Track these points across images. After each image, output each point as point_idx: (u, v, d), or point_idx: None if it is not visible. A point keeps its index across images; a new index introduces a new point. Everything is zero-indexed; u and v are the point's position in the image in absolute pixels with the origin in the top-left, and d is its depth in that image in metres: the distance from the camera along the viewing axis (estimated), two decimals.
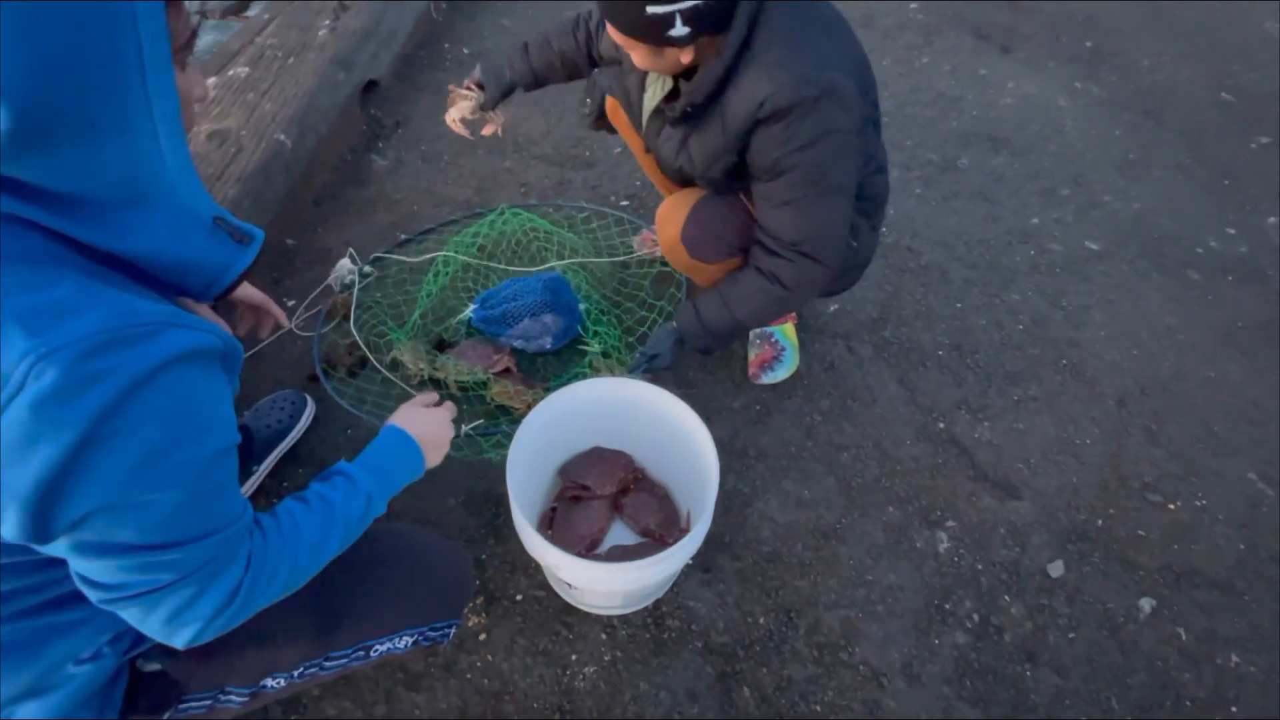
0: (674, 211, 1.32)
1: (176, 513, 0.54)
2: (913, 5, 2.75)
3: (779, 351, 1.51)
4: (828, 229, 1.15)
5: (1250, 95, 2.41)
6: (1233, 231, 1.94)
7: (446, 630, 0.88)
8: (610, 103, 1.44)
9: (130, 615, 0.58)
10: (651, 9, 0.97)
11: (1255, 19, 2.78)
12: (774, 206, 1.14)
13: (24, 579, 0.59)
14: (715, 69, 1.06)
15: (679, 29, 0.99)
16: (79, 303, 0.47)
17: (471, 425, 1.34)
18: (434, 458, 0.88)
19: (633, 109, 1.31)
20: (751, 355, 1.53)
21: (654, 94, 1.24)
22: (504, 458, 1.06)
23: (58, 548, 0.52)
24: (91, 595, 0.57)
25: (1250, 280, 1.82)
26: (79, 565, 0.55)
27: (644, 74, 1.25)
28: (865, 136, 1.16)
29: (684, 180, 1.33)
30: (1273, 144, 2.22)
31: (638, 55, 1.09)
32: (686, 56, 1.06)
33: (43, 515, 0.48)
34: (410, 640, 0.84)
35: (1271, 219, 1.99)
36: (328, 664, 0.80)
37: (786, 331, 1.54)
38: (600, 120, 1.49)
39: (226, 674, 0.76)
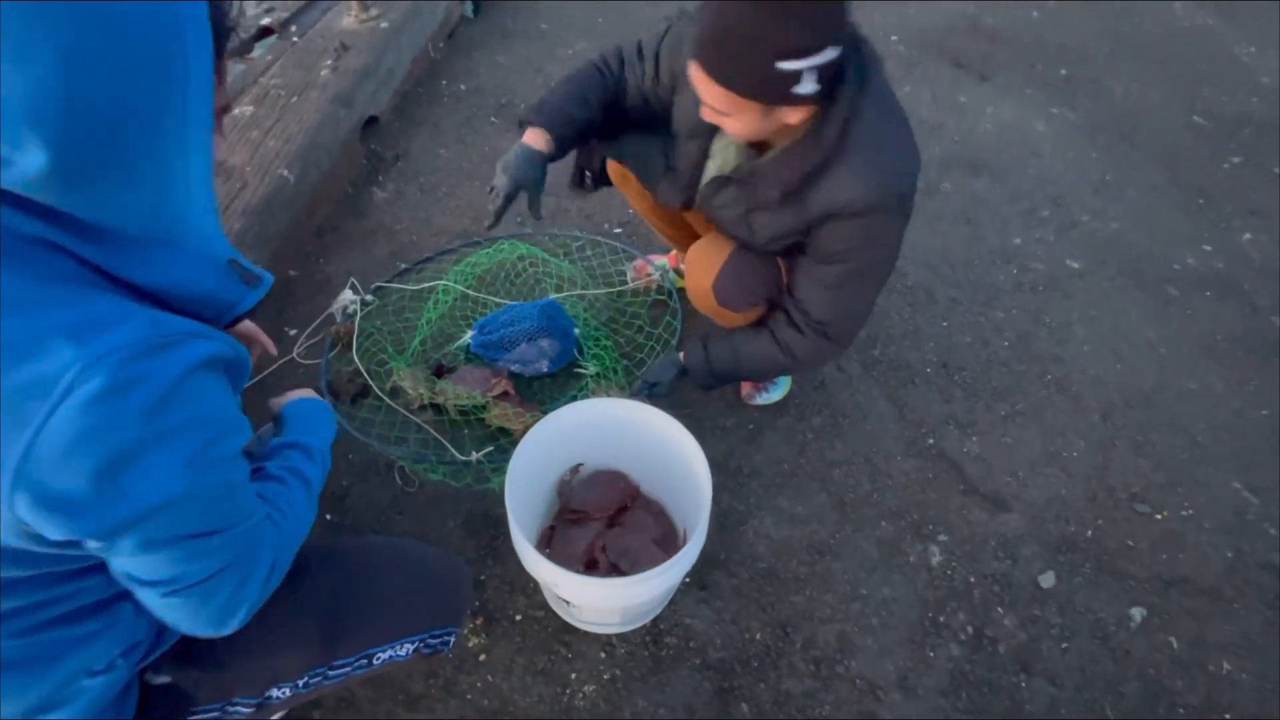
0: (707, 259, 1.28)
1: (217, 501, 0.59)
2: (894, 37, 2.85)
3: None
4: (855, 317, 1.19)
5: (1220, 117, 2.50)
6: (1209, 248, 2.00)
7: (447, 638, 0.89)
8: (616, 169, 1.41)
9: (185, 607, 0.63)
10: (783, 65, 0.89)
11: (1223, 45, 2.89)
12: (815, 285, 1.15)
13: (46, 592, 0.61)
14: (813, 157, 1.01)
15: (806, 86, 0.92)
16: (116, 316, 0.52)
17: (483, 451, 1.37)
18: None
19: (679, 174, 1.26)
20: None
21: (723, 162, 1.19)
22: (504, 480, 1.09)
23: (112, 545, 0.55)
24: (146, 594, 0.61)
25: (1228, 295, 1.87)
26: (131, 564, 0.58)
27: (705, 154, 1.19)
28: None
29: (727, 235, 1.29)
30: (1244, 163, 2.30)
31: (742, 119, 0.99)
32: (795, 118, 0.99)
33: (97, 512, 0.52)
34: (412, 648, 0.86)
35: (1246, 235, 2.05)
36: (332, 673, 0.82)
37: None
38: (582, 184, 1.48)
39: (234, 684, 0.78)
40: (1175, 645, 1.24)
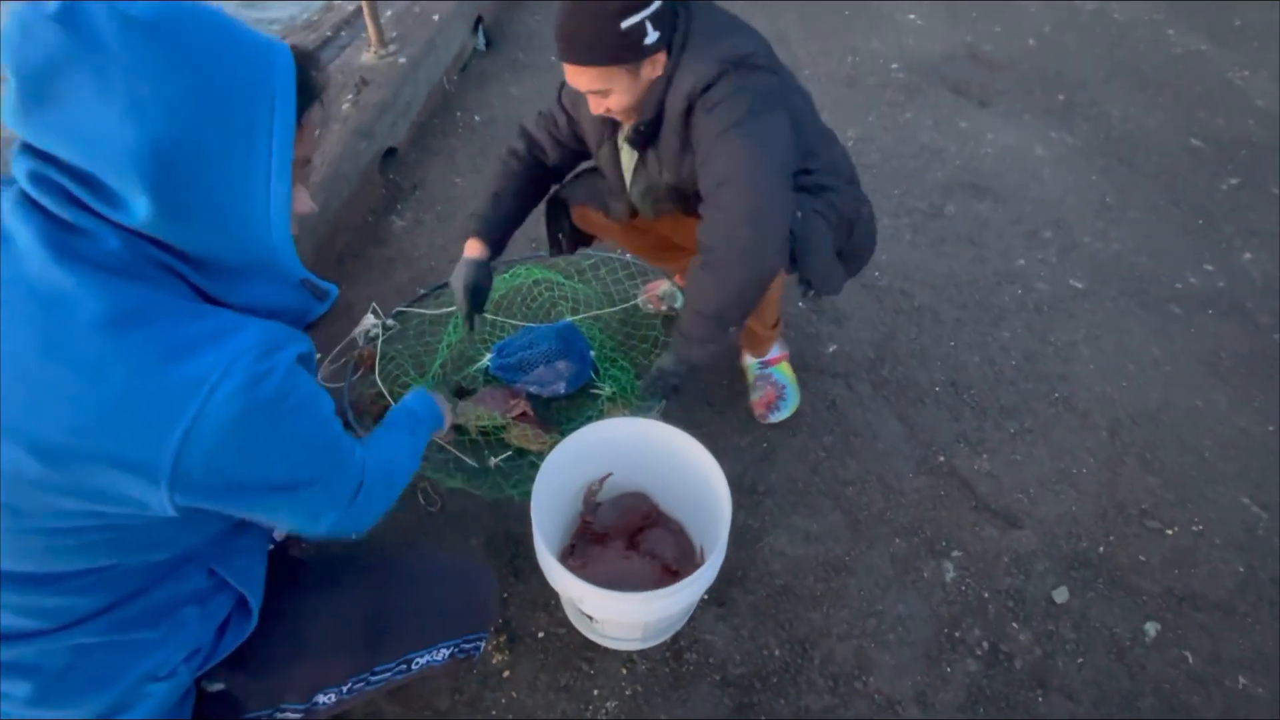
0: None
1: (332, 448, 0.73)
2: (894, 65, 2.93)
3: (780, 390, 1.59)
4: (743, 174, 1.12)
5: (1218, 140, 2.55)
6: (1210, 268, 2.04)
7: (478, 643, 0.94)
8: (579, 214, 1.54)
9: (341, 523, 0.76)
10: (625, 22, 1.07)
11: (1218, 69, 2.96)
12: (701, 170, 1.18)
13: (119, 591, 0.67)
14: (657, 84, 1.17)
15: (650, 35, 1.09)
16: (237, 324, 0.63)
17: (502, 457, 1.40)
18: (447, 420, 1.17)
19: (610, 184, 1.41)
20: (755, 397, 1.60)
21: (628, 153, 1.33)
22: (525, 495, 1.12)
23: (264, 501, 0.67)
24: (311, 528, 0.75)
25: (1231, 314, 1.90)
26: (287, 509, 0.71)
27: (616, 150, 1.34)
28: (802, 116, 1.26)
29: (684, 207, 1.36)
30: (1242, 184, 2.35)
31: (619, 91, 1.16)
32: (657, 69, 1.16)
33: (254, 478, 0.64)
34: (447, 652, 0.90)
35: (1247, 255, 2.09)
36: (374, 678, 0.85)
37: (784, 370, 1.61)
38: (572, 243, 1.60)
39: (283, 691, 0.81)
40: (1190, 660, 1.25)
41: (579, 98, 1.28)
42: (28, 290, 0.56)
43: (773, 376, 1.60)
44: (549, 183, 1.50)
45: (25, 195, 0.58)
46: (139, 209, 0.56)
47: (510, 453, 1.42)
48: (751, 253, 1.13)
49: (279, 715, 0.81)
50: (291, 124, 0.61)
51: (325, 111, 0.71)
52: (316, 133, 0.71)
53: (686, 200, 1.33)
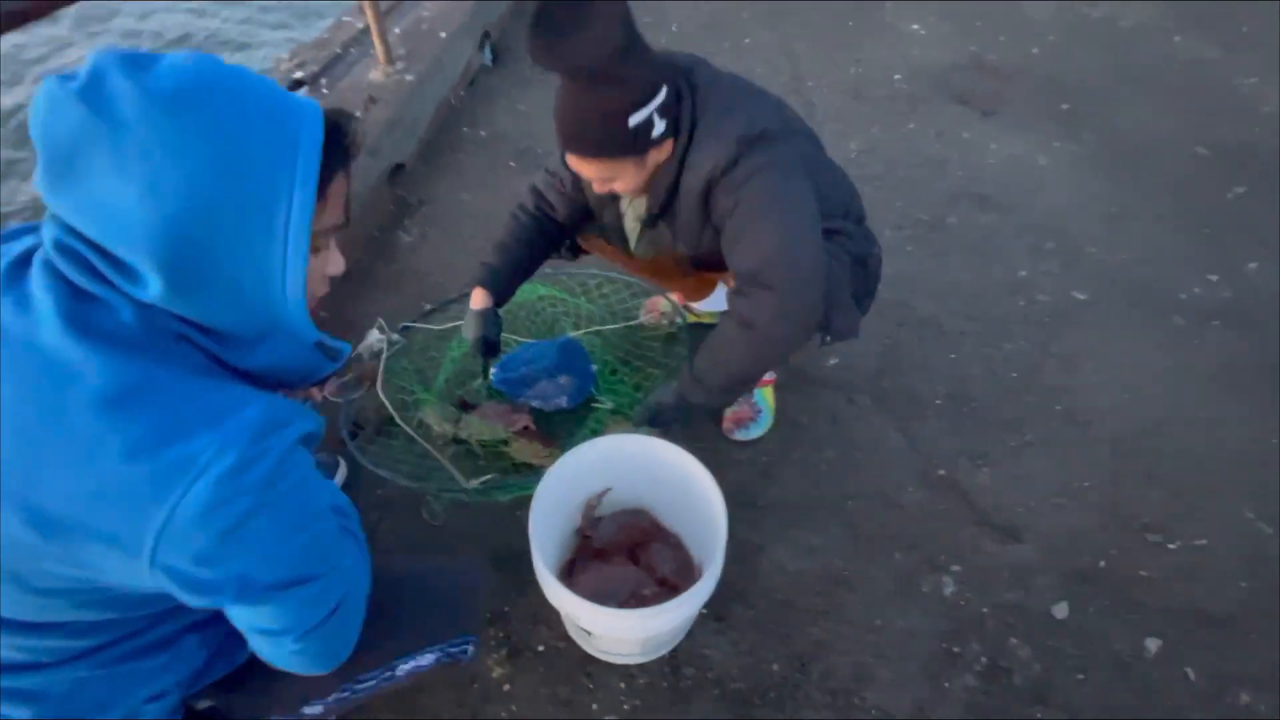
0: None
1: (320, 549, 0.69)
2: (897, 76, 2.94)
3: (756, 413, 1.60)
4: (784, 255, 1.11)
5: (1225, 149, 2.54)
6: (1215, 278, 2.03)
7: (465, 647, 0.94)
8: (581, 237, 1.57)
9: (308, 651, 0.71)
10: (633, 120, 1.07)
11: (1226, 76, 2.94)
12: (731, 244, 1.17)
13: (127, 628, 0.68)
14: (669, 165, 1.17)
15: (658, 126, 1.10)
16: (241, 402, 0.62)
17: (480, 480, 1.41)
18: None
19: (610, 233, 1.45)
20: (729, 411, 1.61)
21: (632, 215, 1.37)
22: (523, 507, 1.13)
23: (236, 599, 0.63)
24: (269, 644, 0.69)
25: (1237, 324, 1.89)
26: (252, 614, 0.66)
27: (618, 210, 1.37)
28: (816, 165, 1.25)
29: (699, 267, 1.44)
30: (1248, 193, 2.33)
31: (626, 177, 1.17)
32: (662, 155, 1.17)
33: (224, 567, 0.60)
34: (434, 657, 0.91)
35: (1253, 264, 2.08)
36: (359, 687, 0.86)
37: (766, 395, 1.63)
38: (574, 251, 1.62)
39: (270, 705, 0.83)
40: (1193, 676, 1.24)
41: None
42: (40, 358, 0.57)
43: (752, 397, 1.61)
44: (560, 236, 1.51)
45: (50, 263, 0.60)
46: (153, 285, 0.57)
47: (491, 476, 1.42)
48: (794, 333, 1.16)
49: None
50: (312, 194, 0.61)
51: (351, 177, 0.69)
52: (346, 196, 0.69)
53: (699, 260, 1.36)
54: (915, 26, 3.31)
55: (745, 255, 1.15)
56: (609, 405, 1.61)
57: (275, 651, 0.71)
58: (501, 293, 1.48)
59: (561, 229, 1.49)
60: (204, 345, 0.64)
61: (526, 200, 1.47)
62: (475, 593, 0.99)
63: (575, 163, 1.18)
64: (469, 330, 1.45)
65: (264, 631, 0.68)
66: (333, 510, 0.73)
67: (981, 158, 2.49)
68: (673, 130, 1.14)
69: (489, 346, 1.47)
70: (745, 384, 1.27)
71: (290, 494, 0.63)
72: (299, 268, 0.62)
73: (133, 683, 0.71)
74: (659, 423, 1.35)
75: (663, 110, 1.10)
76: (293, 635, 0.69)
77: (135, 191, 0.53)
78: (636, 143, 1.11)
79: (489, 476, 1.42)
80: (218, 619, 0.76)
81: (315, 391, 1.13)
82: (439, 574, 0.97)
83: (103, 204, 0.54)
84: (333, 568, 0.71)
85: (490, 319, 1.45)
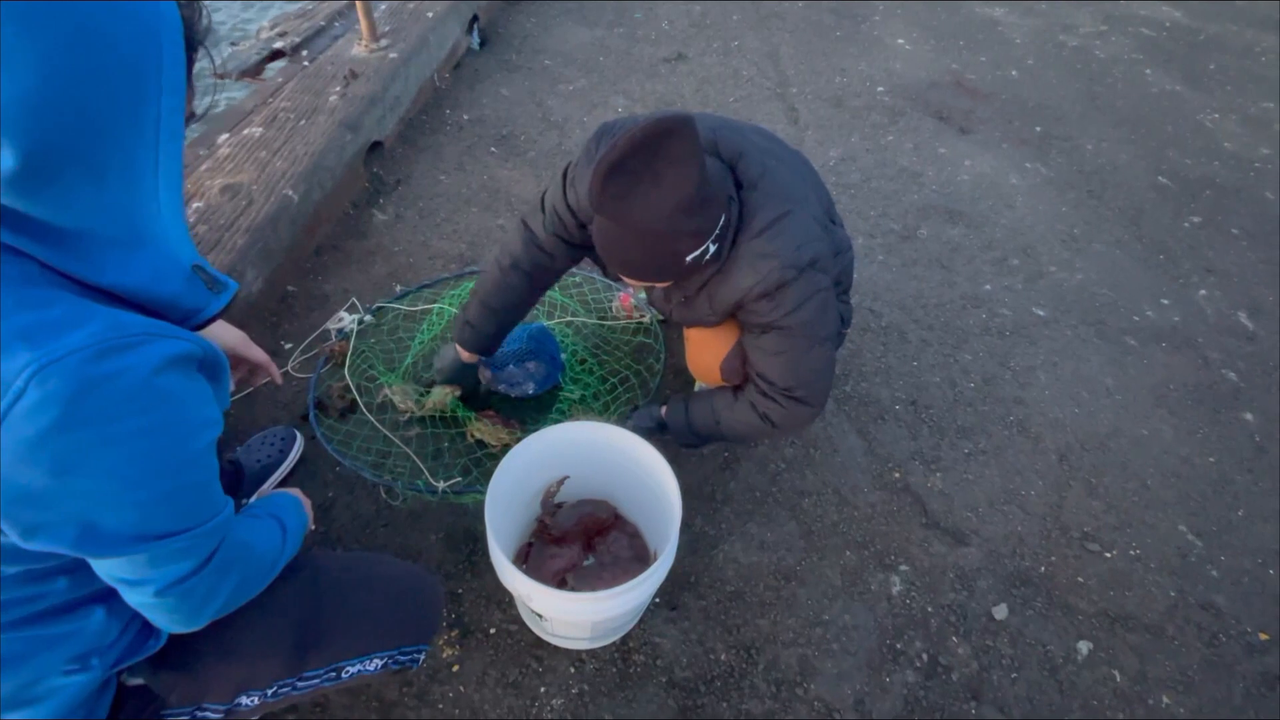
0: (715, 340, 1.36)
1: (184, 500, 0.61)
2: (880, 89, 3.00)
3: None
4: (817, 376, 1.22)
5: (1184, 179, 2.64)
6: (1166, 302, 2.11)
7: (416, 655, 0.92)
8: None
9: (163, 606, 0.66)
10: (690, 257, 1.05)
11: (1190, 111, 3.06)
12: (766, 356, 1.21)
13: (18, 590, 0.64)
14: (705, 272, 1.15)
15: (710, 251, 1.08)
16: (75, 318, 0.52)
17: (448, 484, 1.40)
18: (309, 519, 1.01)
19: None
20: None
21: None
22: (480, 499, 1.14)
23: (78, 548, 0.57)
24: (130, 593, 0.64)
25: (1181, 347, 1.97)
26: (109, 564, 0.62)
27: None
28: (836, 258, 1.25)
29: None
30: (1204, 224, 2.43)
31: (667, 286, 1.21)
32: (707, 268, 1.15)
33: (56, 513, 0.53)
34: (381, 663, 0.88)
35: (1202, 292, 2.17)
36: (300, 684, 0.84)
37: None
38: None
39: (205, 690, 0.80)
40: (1118, 679, 1.30)
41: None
42: None
43: None
44: (552, 280, 1.44)
45: None
46: (5, 160, 0.49)
47: (458, 480, 1.41)
48: (796, 432, 1.24)
49: (199, 714, 0.81)
50: (183, 78, 0.55)
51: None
52: (194, 87, 0.63)
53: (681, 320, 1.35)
54: (900, 41, 3.37)
55: (784, 372, 1.21)
56: (575, 395, 1.62)
57: (135, 599, 0.65)
58: (486, 351, 1.49)
59: (557, 275, 1.43)
60: (39, 256, 0.54)
61: (520, 255, 1.36)
62: (434, 603, 0.97)
63: (625, 278, 1.15)
64: (443, 370, 1.52)
65: (121, 580, 0.63)
66: (207, 451, 0.63)
67: (955, 173, 2.55)
68: (723, 249, 1.12)
69: (462, 388, 1.54)
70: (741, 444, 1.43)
71: (150, 431, 0.55)
72: (174, 172, 0.57)
73: (35, 650, 0.67)
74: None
75: (717, 239, 1.08)
76: (152, 587, 0.63)
77: None
78: (689, 269, 1.09)
79: (455, 480, 1.41)
80: None
81: (275, 375, 1.09)
82: (398, 577, 0.94)
83: None
84: (199, 523, 0.63)
85: (470, 371, 1.53)
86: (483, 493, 1.14)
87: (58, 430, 0.50)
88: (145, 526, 0.58)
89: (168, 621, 0.69)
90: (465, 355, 1.49)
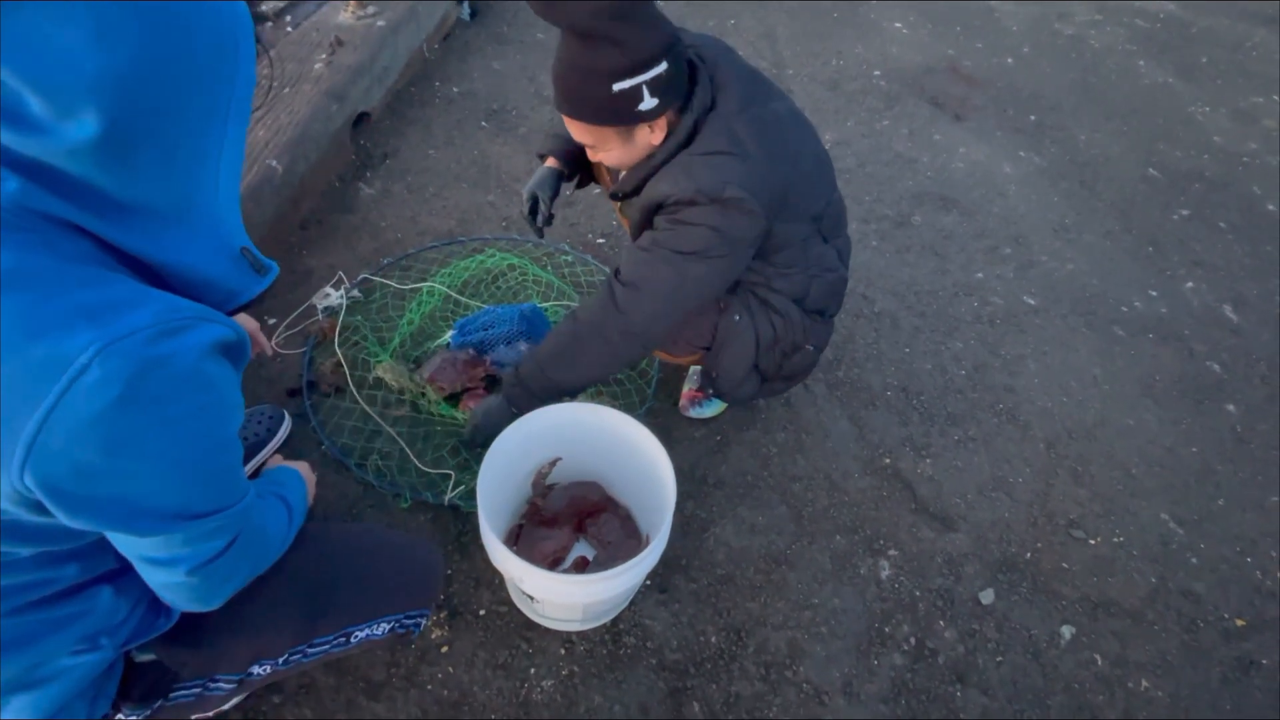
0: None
1: (218, 482, 0.63)
2: (876, 72, 2.97)
3: (710, 393, 1.61)
4: (652, 290, 1.14)
5: (1174, 172, 2.65)
6: (1154, 294, 2.13)
7: (419, 619, 0.94)
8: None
9: (186, 586, 0.66)
10: (618, 85, 1.00)
11: (1182, 104, 3.07)
12: (631, 250, 1.19)
13: (30, 575, 0.64)
14: (648, 166, 1.14)
15: (647, 101, 1.02)
16: (134, 298, 0.54)
17: (453, 493, 1.36)
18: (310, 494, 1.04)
19: (613, 171, 1.41)
20: (686, 389, 1.61)
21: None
22: (471, 507, 1.11)
23: (119, 527, 0.58)
24: (154, 573, 0.64)
25: (1168, 339, 1.99)
26: (143, 543, 0.62)
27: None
28: (770, 243, 1.21)
29: None
30: (1192, 216, 2.45)
31: (609, 148, 1.13)
32: (657, 136, 1.11)
33: (105, 491, 0.54)
34: (388, 627, 0.90)
35: (1189, 284, 2.19)
36: (311, 650, 0.85)
37: None
38: (584, 177, 1.56)
39: (217, 662, 0.81)
40: (1099, 663, 1.32)
41: None
42: None
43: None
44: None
45: None
46: (75, 132, 0.49)
47: (462, 488, 1.37)
48: (605, 335, 1.18)
49: (211, 685, 0.81)
50: (254, 72, 0.59)
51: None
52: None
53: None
54: (898, 25, 3.34)
55: (628, 261, 1.17)
56: None
57: (161, 579, 0.66)
58: (570, 164, 1.46)
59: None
60: (97, 230, 0.55)
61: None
62: (436, 568, 0.99)
63: (566, 122, 1.14)
64: (531, 184, 1.45)
65: (151, 560, 0.63)
66: (238, 435, 0.66)
67: (949, 160, 2.54)
68: (664, 111, 1.07)
69: (535, 203, 1.44)
70: (565, 392, 1.26)
71: (198, 413, 0.56)
72: (236, 158, 0.60)
73: (42, 632, 0.67)
74: (476, 441, 1.34)
75: (655, 85, 1.02)
76: (185, 566, 0.64)
77: (83, 36, 0.47)
78: (619, 112, 1.04)
79: (459, 489, 1.37)
80: (131, 571, 0.72)
81: (266, 345, 1.08)
82: (401, 544, 0.96)
83: (46, 40, 0.47)
84: (232, 503, 0.65)
85: (557, 177, 1.45)
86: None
87: (117, 409, 0.51)
88: (187, 506, 0.60)
89: (187, 601, 0.69)
90: (550, 161, 1.47)
